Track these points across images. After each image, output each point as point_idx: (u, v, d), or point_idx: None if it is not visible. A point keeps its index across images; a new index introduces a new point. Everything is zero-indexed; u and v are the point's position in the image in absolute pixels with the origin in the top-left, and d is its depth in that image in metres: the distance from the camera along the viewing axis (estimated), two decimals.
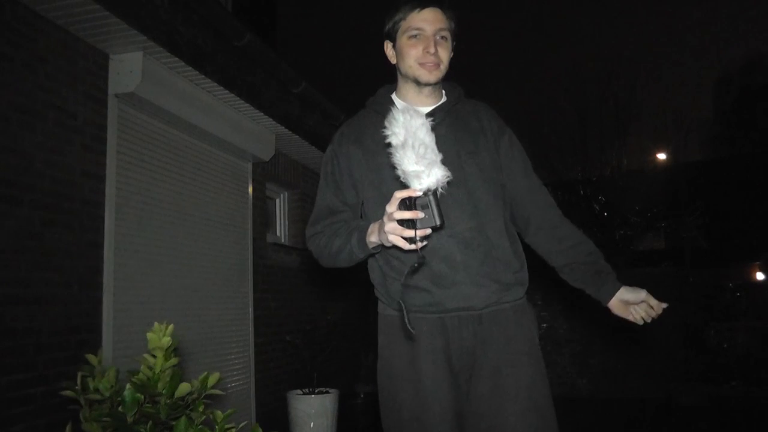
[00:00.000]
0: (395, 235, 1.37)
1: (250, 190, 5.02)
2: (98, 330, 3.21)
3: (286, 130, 4.96)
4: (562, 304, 7.17)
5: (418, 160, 1.34)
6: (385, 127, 1.55)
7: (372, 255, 1.60)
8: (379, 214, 1.56)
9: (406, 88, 1.69)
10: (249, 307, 4.86)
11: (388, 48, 1.70)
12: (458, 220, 1.57)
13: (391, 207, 1.36)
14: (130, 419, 1.28)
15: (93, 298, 3.19)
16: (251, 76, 4.38)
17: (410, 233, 1.34)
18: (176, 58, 3.51)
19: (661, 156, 11.90)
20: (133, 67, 3.39)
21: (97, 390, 1.29)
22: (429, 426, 1.55)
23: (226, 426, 1.33)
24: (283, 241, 5.84)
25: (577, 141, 11.47)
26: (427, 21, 1.61)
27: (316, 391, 4.73)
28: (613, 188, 10.75)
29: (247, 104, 4.36)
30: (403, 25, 1.64)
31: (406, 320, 1.37)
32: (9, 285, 2.72)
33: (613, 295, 1.69)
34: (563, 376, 6.93)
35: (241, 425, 1.38)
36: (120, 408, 1.29)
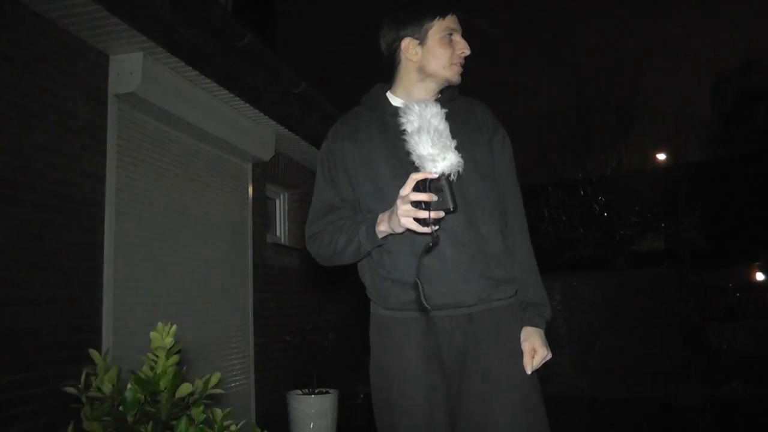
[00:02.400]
0: (408, 217, 1.40)
1: (250, 190, 5.02)
2: (98, 330, 3.21)
3: (286, 130, 4.96)
4: (561, 305, 7.18)
5: (434, 144, 1.41)
6: (376, 125, 1.58)
7: (379, 246, 1.59)
8: (378, 207, 1.57)
9: (416, 86, 1.67)
10: (249, 307, 4.86)
11: (412, 45, 1.65)
12: (450, 215, 1.57)
13: (406, 189, 1.40)
14: (130, 419, 1.28)
15: (93, 298, 3.19)
16: (251, 76, 4.38)
17: (424, 214, 1.37)
18: (176, 58, 3.51)
19: (661, 156, 11.91)
20: (133, 67, 3.39)
21: (99, 389, 1.29)
22: (420, 425, 1.55)
23: (226, 424, 1.33)
24: (283, 241, 5.84)
25: (578, 141, 11.49)
26: (457, 24, 1.67)
27: (316, 391, 4.73)
28: (613, 188, 10.76)
29: (247, 104, 4.35)
30: (440, 24, 1.64)
31: (422, 294, 1.38)
32: (9, 285, 2.72)
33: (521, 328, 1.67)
34: (563, 376, 6.93)
35: (240, 424, 1.38)
36: (121, 408, 1.29)
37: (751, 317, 7.96)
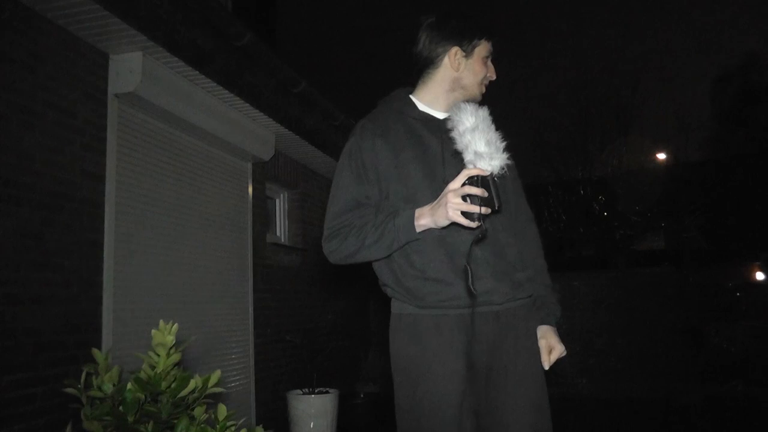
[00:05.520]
0: (458, 210, 1.43)
1: (250, 190, 5.02)
2: (98, 330, 3.21)
3: (286, 130, 4.95)
4: (561, 305, 7.16)
5: (488, 143, 1.44)
6: (403, 128, 1.66)
7: (413, 240, 1.59)
8: (407, 207, 1.58)
9: (444, 95, 1.73)
10: (249, 307, 4.86)
11: (458, 55, 1.71)
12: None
13: (457, 183, 1.44)
14: (131, 418, 1.28)
15: (93, 298, 3.19)
16: (251, 76, 4.37)
17: (476, 209, 1.40)
18: (176, 58, 3.50)
19: (661, 156, 11.92)
20: (133, 67, 3.39)
21: (99, 388, 1.29)
22: (448, 423, 1.56)
23: (228, 424, 1.33)
24: (282, 241, 5.84)
25: (578, 141, 11.50)
26: (493, 50, 1.76)
27: (316, 391, 4.73)
28: (613, 188, 10.77)
29: (247, 104, 4.35)
30: (485, 45, 1.74)
31: (470, 282, 1.41)
32: (9, 285, 2.72)
33: (537, 326, 1.75)
34: (563, 376, 6.93)
35: (240, 421, 1.38)
36: (121, 407, 1.29)
37: (751, 317, 7.95)
